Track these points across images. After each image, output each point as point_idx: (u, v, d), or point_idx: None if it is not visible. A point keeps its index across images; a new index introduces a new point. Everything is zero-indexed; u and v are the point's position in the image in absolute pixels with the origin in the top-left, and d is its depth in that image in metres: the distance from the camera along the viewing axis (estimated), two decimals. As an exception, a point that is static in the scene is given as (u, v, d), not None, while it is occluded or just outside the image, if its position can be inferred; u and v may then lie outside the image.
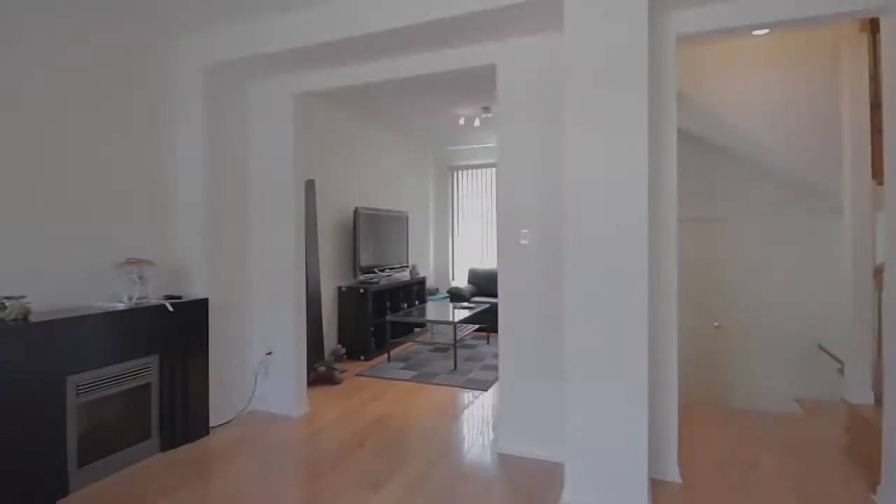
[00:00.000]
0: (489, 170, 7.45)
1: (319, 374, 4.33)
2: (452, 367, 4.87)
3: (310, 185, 4.64)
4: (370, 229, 5.55)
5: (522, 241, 2.95)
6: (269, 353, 3.64)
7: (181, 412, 3.04)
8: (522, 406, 2.93)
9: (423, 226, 7.52)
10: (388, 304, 5.64)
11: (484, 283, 7.04)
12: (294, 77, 3.48)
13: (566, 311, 2.39)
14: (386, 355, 5.24)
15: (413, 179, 7.20)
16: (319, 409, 3.73)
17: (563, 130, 2.42)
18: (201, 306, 3.18)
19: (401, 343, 5.75)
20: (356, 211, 5.31)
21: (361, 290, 5.18)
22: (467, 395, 4.08)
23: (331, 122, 5.26)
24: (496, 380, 4.35)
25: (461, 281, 7.64)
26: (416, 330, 6.23)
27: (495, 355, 5.23)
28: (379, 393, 4.12)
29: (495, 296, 6.89)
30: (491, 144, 7.33)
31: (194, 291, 3.28)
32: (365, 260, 5.42)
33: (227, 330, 3.46)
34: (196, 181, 3.30)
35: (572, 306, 2.36)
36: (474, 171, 7.57)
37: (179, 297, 3.09)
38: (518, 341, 2.95)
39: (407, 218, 6.42)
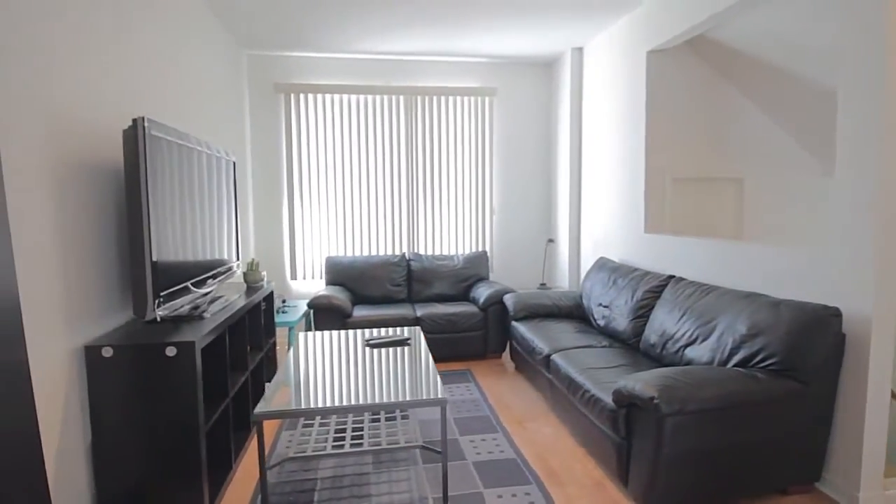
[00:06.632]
0: (365, 97, 4.48)
1: None
2: (438, 505, 2.08)
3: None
4: (177, 181, 2.14)
5: None
6: None
7: None
8: None
9: (237, 185, 4.12)
10: (228, 362, 2.36)
11: (358, 285, 4.17)
12: None
13: None
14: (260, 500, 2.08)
15: (216, 96, 3.73)
16: None
17: None
18: None
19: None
20: (139, 127, 1.85)
21: (170, 351, 1.84)
22: None
23: None
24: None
25: (315, 282, 4.55)
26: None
27: (474, 442, 2.43)
28: None
29: (377, 302, 4.06)
30: (366, 54, 4.34)
31: None
32: (162, 254, 2.03)
33: None
34: None
35: None
36: (330, 97, 4.47)
37: None
38: None
39: (234, 165, 3.06)
